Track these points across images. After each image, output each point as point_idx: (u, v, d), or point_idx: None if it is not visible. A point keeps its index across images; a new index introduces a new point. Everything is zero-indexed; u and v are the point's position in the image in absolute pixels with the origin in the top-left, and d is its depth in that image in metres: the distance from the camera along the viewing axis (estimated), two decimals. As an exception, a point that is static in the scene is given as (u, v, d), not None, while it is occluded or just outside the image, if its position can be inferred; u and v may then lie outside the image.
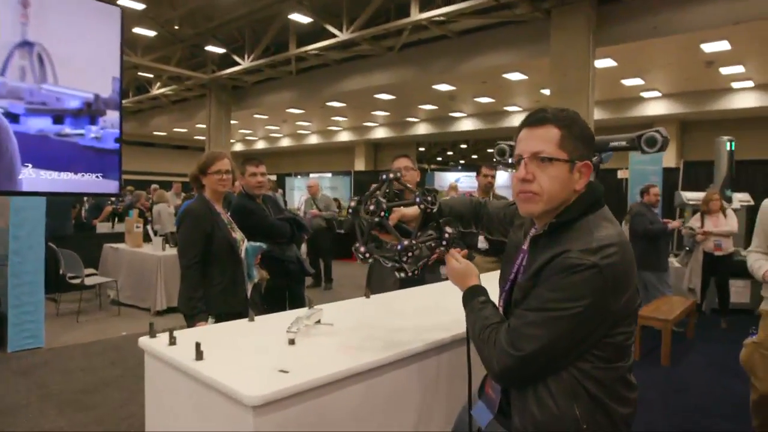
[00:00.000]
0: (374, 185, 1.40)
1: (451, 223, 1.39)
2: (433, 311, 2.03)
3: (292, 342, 1.55)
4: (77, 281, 6.04)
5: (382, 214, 1.26)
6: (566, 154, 1.17)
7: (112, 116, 4.79)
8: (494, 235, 1.56)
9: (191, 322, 2.30)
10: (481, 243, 3.92)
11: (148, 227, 7.09)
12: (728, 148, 6.72)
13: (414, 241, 1.22)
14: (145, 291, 6.39)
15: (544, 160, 1.17)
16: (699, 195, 6.47)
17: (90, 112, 4.57)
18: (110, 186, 4.77)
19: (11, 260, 4.82)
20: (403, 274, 1.28)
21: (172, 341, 1.53)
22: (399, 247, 1.22)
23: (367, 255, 1.31)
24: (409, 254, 1.23)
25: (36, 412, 3.53)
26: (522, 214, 1.27)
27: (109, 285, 6.63)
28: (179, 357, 1.42)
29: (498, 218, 1.55)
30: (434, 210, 1.24)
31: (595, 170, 1.35)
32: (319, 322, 1.78)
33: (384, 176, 1.35)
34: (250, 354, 1.46)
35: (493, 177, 4.22)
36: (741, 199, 6.72)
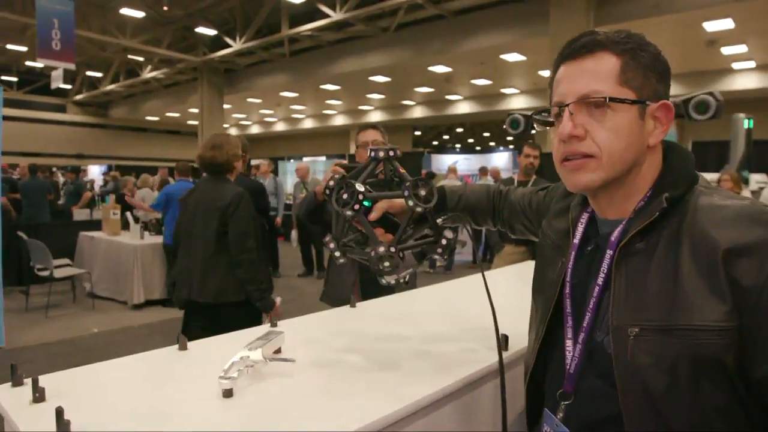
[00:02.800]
0: (361, 165, 1.09)
1: (460, 219, 1.12)
2: (443, 328, 1.49)
3: (228, 394, 0.99)
4: (46, 273, 5.47)
5: (356, 207, 0.96)
6: (633, 93, 0.84)
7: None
8: (518, 233, 1.26)
9: (269, 308, 2.54)
10: None
11: (128, 214, 6.50)
12: (746, 127, 6.17)
13: (394, 248, 0.97)
14: (122, 283, 5.83)
15: (600, 105, 0.83)
16: (712, 176, 5.99)
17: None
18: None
19: (-37, 251, 4.24)
20: (385, 282, 1.04)
21: (38, 396, 0.96)
22: (373, 254, 0.97)
23: (338, 254, 1.05)
24: (387, 262, 0.97)
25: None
26: (571, 190, 0.93)
27: (83, 276, 6.05)
28: None
29: (523, 211, 1.22)
30: (427, 209, 0.98)
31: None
32: (279, 351, 1.22)
33: (373, 154, 1.06)
34: (151, 423, 0.89)
35: (536, 158, 3.85)
36: (759, 180, 6.20)
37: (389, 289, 2.07)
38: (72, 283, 6.15)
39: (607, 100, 0.82)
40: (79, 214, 8.78)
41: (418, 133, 24.06)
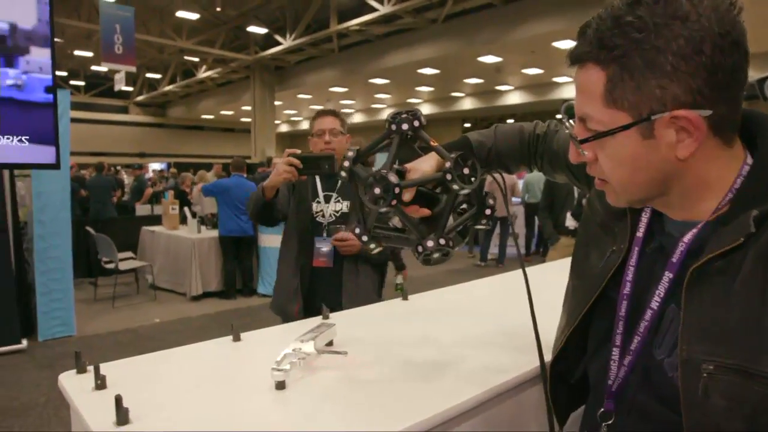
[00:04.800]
0: (375, 139, 0.94)
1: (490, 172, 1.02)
2: (497, 324, 1.43)
3: (280, 386, 0.98)
4: (111, 266, 5.73)
5: (393, 203, 0.83)
6: (624, 113, 0.69)
7: (40, 55, 3.38)
8: (560, 182, 1.15)
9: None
10: (570, 221, 3.37)
11: (186, 209, 6.72)
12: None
13: (443, 239, 0.86)
14: (181, 275, 6.04)
15: (592, 135, 0.72)
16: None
17: (5, 49, 3.19)
18: (43, 154, 3.52)
19: (36, 246, 4.48)
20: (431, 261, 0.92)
21: (99, 383, 0.99)
22: (420, 249, 0.86)
23: (373, 246, 0.94)
24: (437, 254, 0.87)
25: (51, 412, 3.20)
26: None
27: (145, 269, 6.31)
28: (95, 419, 0.87)
29: (567, 164, 1.02)
30: (467, 190, 0.87)
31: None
32: (331, 344, 1.21)
33: (395, 126, 0.90)
34: (206, 413, 0.89)
35: None
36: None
37: (335, 296, 2.06)
38: (135, 275, 6.42)
39: (594, 132, 0.71)
40: (141, 209, 9.15)
41: (467, 125, 23.71)
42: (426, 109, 21.44)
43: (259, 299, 6.14)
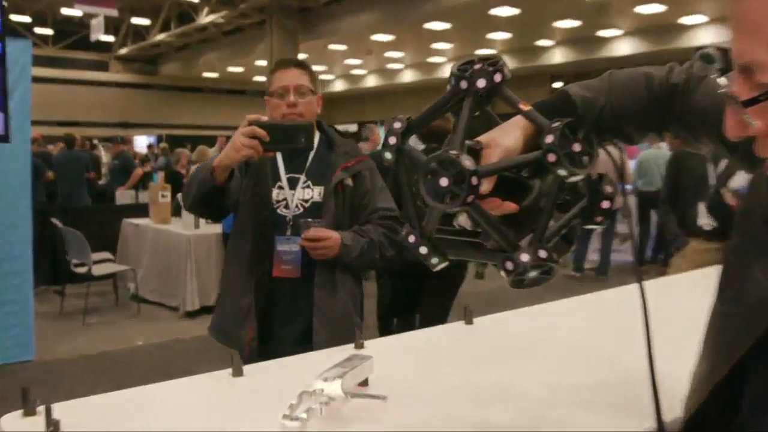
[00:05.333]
0: (435, 102, 0.90)
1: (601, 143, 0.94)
2: (590, 364, 1.44)
3: None
4: (83, 270, 5.93)
5: (470, 199, 0.78)
6: None
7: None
8: (704, 151, 1.09)
9: None
10: (704, 217, 3.44)
11: (180, 197, 6.86)
12: None
13: (544, 250, 0.82)
14: (173, 284, 6.18)
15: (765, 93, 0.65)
16: None
17: None
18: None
19: (-12, 242, 4.65)
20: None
21: (52, 428, 0.99)
22: (510, 266, 0.82)
23: (436, 261, 0.88)
24: (535, 272, 0.83)
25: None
26: None
27: (126, 275, 6.50)
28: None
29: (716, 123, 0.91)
30: (580, 177, 0.83)
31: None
32: (365, 383, 1.20)
33: (464, 81, 0.86)
34: None
35: None
36: None
37: (302, 318, 2.10)
38: (113, 283, 6.63)
39: (759, 95, 0.66)
40: (123, 196, 9.42)
41: (558, 84, 23.38)
42: (501, 64, 21.29)
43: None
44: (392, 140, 0.88)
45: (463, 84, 0.86)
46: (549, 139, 0.80)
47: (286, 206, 2.13)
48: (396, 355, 1.41)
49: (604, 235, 7.87)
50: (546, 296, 2.00)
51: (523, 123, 0.92)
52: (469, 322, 1.66)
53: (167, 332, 5.63)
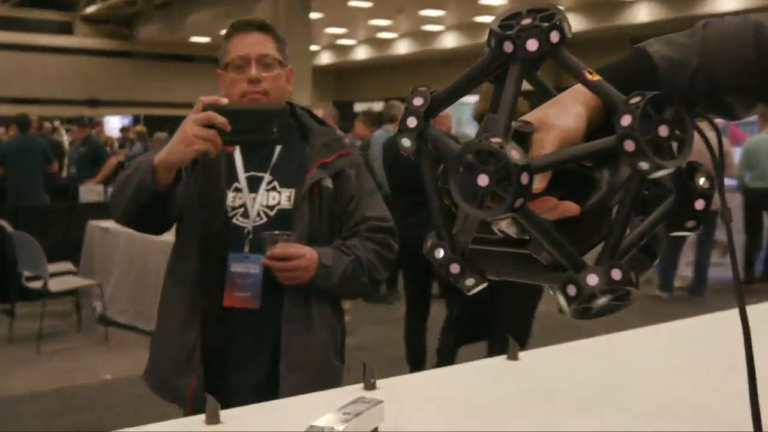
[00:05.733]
0: (469, 71, 0.88)
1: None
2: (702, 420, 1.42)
3: None
4: (37, 285, 6.02)
5: (518, 204, 0.73)
6: None
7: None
8: None
9: None
10: None
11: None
12: None
13: (619, 269, 0.79)
14: (149, 303, 6.20)
15: None
16: None
17: None
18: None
19: None
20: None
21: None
22: (570, 292, 0.79)
23: (472, 282, 0.86)
24: (605, 298, 0.81)
25: None
26: None
27: (91, 291, 6.58)
28: None
29: None
30: (669, 170, 0.78)
31: None
32: None
33: (509, 42, 0.83)
34: None
35: None
36: None
37: (265, 360, 2.05)
38: (76, 302, 6.70)
39: None
40: (89, 192, 9.51)
41: (641, 49, 23.37)
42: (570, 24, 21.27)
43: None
44: (411, 122, 0.84)
45: (508, 46, 0.82)
46: (626, 120, 0.75)
47: (245, 214, 2.06)
48: (415, 399, 1.43)
49: (700, 245, 7.84)
50: (623, 323, 1.97)
51: (585, 95, 0.89)
52: (514, 357, 1.66)
53: (141, 364, 5.64)
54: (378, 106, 8.42)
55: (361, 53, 28.87)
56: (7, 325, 6.40)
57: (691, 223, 0.89)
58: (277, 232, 2.00)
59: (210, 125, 1.79)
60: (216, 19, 23.43)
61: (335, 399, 1.22)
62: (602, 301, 0.80)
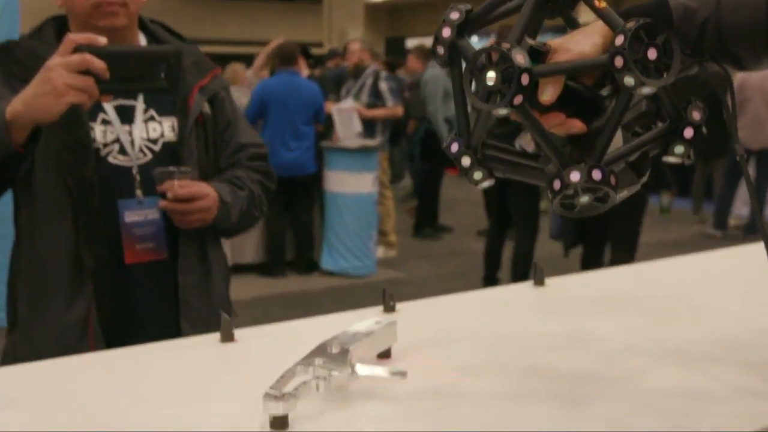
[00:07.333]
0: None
1: (706, 84, 1.06)
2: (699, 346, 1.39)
3: (278, 424, 0.96)
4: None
5: (518, 100, 0.88)
6: None
7: None
8: None
9: None
10: None
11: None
12: None
13: (599, 170, 0.92)
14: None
15: None
16: None
17: None
18: None
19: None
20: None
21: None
22: (559, 185, 0.92)
23: (479, 176, 1.00)
24: (587, 197, 0.95)
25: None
26: None
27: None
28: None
29: None
30: (650, 89, 0.91)
31: None
32: (387, 355, 1.21)
33: None
34: None
35: None
36: None
37: (163, 315, 1.78)
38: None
39: None
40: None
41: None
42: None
43: (323, 279, 6.32)
44: (446, 32, 0.95)
45: None
46: (618, 40, 0.86)
47: (121, 151, 1.76)
48: (433, 322, 1.44)
49: (760, 180, 7.63)
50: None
51: (604, 28, 0.96)
52: (540, 282, 1.65)
53: None
54: (431, 42, 8.36)
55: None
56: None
57: (679, 149, 0.98)
58: (172, 168, 1.75)
59: (85, 71, 1.46)
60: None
61: (351, 320, 1.22)
62: (584, 199, 0.93)
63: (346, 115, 6.58)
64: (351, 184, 6.46)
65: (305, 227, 6.49)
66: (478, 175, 0.99)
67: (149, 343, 1.31)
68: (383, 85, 7.10)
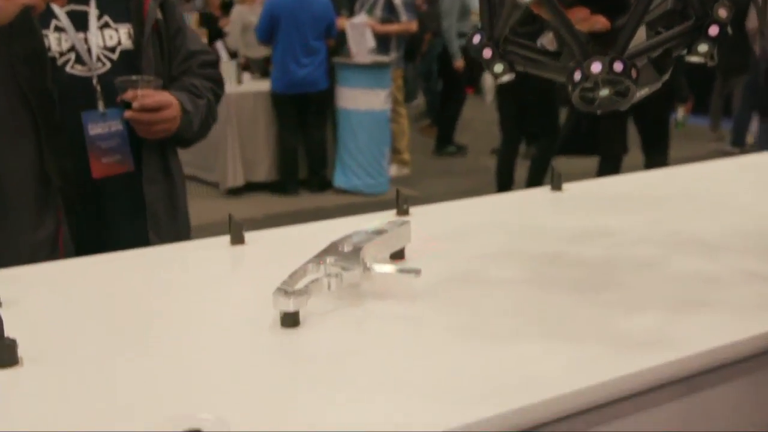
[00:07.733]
0: None
1: None
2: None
3: (289, 321, 0.95)
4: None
5: None
6: None
7: None
8: None
9: None
10: None
11: (218, 44, 6.90)
12: None
13: (621, 61, 0.90)
14: (211, 155, 6.29)
15: None
16: None
17: None
18: None
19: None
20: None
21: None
22: (578, 76, 0.91)
23: (500, 69, 0.98)
24: (608, 89, 0.94)
25: None
26: None
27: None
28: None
29: None
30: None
31: None
32: (401, 256, 1.20)
33: None
34: (150, 357, 0.93)
35: None
36: None
37: (135, 236, 1.69)
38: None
39: None
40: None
41: None
42: None
43: (336, 197, 6.30)
44: None
45: None
46: None
47: (78, 60, 1.69)
48: (447, 224, 1.44)
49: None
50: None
51: None
52: (557, 187, 1.64)
53: (205, 214, 5.75)
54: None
55: None
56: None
57: (703, 47, 0.95)
58: (135, 77, 1.70)
59: None
60: None
61: (363, 222, 1.21)
62: (604, 92, 0.91)
63: (359, 31, 6.47)
64: (363, 101, 6.40)
65: (318, 145, 6.45)
66: (498, 67, 0.98)
67: (160, 245, 1.33)
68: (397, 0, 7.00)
